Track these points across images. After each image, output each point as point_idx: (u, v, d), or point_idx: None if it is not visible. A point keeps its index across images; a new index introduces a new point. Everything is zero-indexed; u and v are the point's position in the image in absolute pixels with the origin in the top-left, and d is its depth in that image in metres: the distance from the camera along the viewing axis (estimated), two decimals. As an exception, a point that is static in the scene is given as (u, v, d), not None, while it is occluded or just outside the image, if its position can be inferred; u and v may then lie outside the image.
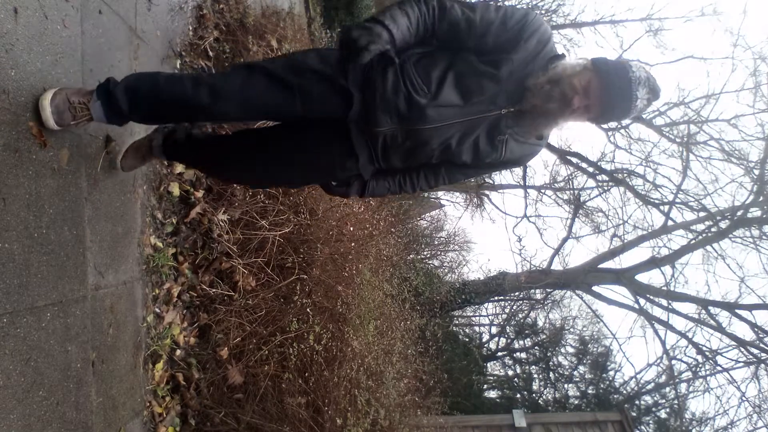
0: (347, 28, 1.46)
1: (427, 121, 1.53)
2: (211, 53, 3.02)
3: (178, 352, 2.45)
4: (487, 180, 13.37)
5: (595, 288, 12.26)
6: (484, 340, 15.15)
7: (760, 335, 10.38)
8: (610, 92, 1.48)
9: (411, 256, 8.86)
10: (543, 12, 14.83)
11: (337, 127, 1.58)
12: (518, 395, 12.96)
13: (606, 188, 12.68)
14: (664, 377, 12.03)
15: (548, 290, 12.81)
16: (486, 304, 14.08)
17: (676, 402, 11.47)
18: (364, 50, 1.43)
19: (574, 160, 12.83)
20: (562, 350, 13.70)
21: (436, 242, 12.41)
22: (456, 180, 1.83)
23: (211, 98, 1.52)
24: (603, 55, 1.59)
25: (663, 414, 11.58)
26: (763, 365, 10.29)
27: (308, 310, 3.04)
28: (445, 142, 1.58)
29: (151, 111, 1.61)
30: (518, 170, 12.68)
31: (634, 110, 1.52)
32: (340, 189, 1.77)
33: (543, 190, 13.50)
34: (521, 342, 14.31)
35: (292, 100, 1.54)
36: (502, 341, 14.85)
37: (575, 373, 13.20)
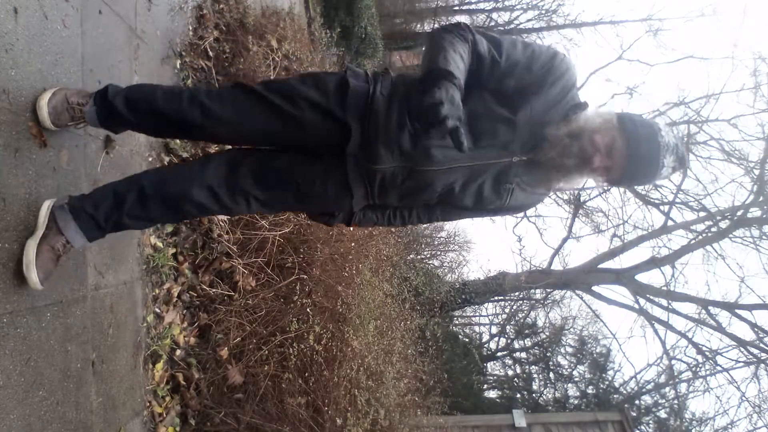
0: (433, 101, 1.18)
1: (433, 162, 1.42)
2: (211, 53, 3.02)
3: (178, 352, 2.45)
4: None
5: (595, 288, 12.29)
6: (484, 340, 15.19)
7: (760, 335, 10.41)
8: (636, 157, 1.35)
9: (411, 256, 8.86)
10: (543, 12, 14.88)
11: (333, 160, 1.49)
12: (518, 395, 12.98)
13: (606, 188, 12.70)
14: (664, 377, 12.07)
15: (548, 290, 12.83)
16: (486, 304, 14.12)
17: (676, 402, 11.50)
18: (457, 132, 1.19)
19: (574, 160, 12.82)
20: (562, 350, 13.73)
21: (436, 242, 12.42)
22: (451, 220, 1.73)
23: (204, 119, 1.48)
24: (629, 111, 1.43)
25: (663, 414, 11.60)
26: (763, 365, 10.33)
27: (308, 310, 3.04)
28: (448, 185, 1.47)
29: (150, 124, 1.59)
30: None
31: (657, 178, 1.39)
32: (323, 217, 1.64)
33: (543, 190, 13.49)
34: (521, 342, 14.33)
35: (285, 129, 1.47)
36: (502, 341, 14.88)
37: (575, 373, 13.24)
